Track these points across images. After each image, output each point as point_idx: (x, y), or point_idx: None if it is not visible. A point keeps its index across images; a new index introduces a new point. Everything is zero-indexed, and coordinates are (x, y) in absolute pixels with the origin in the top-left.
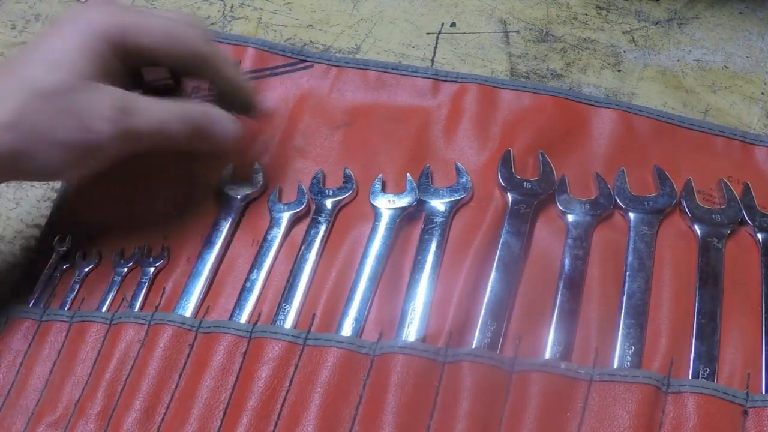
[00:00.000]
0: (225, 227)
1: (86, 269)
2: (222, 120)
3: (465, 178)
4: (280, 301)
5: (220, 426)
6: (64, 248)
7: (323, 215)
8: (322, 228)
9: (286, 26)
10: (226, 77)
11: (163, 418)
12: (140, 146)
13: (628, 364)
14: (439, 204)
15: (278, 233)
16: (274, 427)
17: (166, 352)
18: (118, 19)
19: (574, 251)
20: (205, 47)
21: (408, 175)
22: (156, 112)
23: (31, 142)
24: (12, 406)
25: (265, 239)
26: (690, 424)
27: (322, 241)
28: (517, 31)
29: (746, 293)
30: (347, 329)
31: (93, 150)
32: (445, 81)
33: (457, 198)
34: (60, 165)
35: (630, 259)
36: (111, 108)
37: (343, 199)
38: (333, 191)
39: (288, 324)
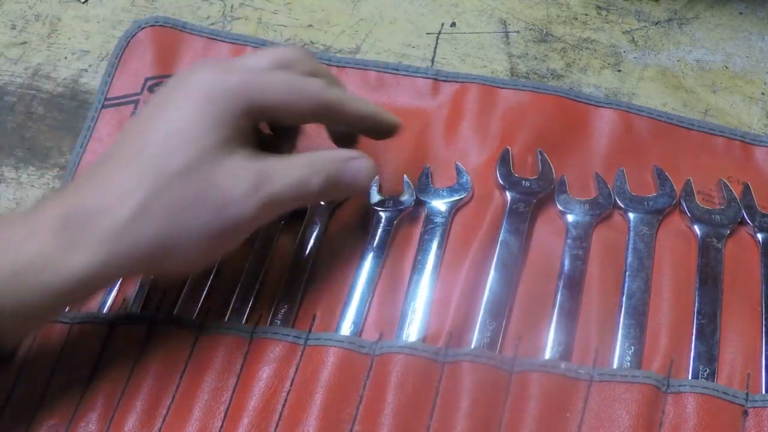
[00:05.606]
0: None
1: None
2: (354, 161)
3: (465, 178)
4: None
5: (221, 427)
6: None
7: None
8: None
9: (286, 26)
10: (353, 116)
11: (164, 419)
12: (280, 212)
13: (628, 364)
14: (439, 204)
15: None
16: (275, 428)
17: (169, 354)
18: (236, 79)
19: (573, 251)
20: (328, 96)
21: (405, 176)
22: (292, 170)
23: (165, 235)
24: None
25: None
26: (690, 425)
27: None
28: (517, 31)
29: (746, 293)
30: (345, 330)
31: (235, 228)
32: (446, 81)
33: (458, 198)
34: (199, 252)
35: (630, 259)
36: (248, 178)
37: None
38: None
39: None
